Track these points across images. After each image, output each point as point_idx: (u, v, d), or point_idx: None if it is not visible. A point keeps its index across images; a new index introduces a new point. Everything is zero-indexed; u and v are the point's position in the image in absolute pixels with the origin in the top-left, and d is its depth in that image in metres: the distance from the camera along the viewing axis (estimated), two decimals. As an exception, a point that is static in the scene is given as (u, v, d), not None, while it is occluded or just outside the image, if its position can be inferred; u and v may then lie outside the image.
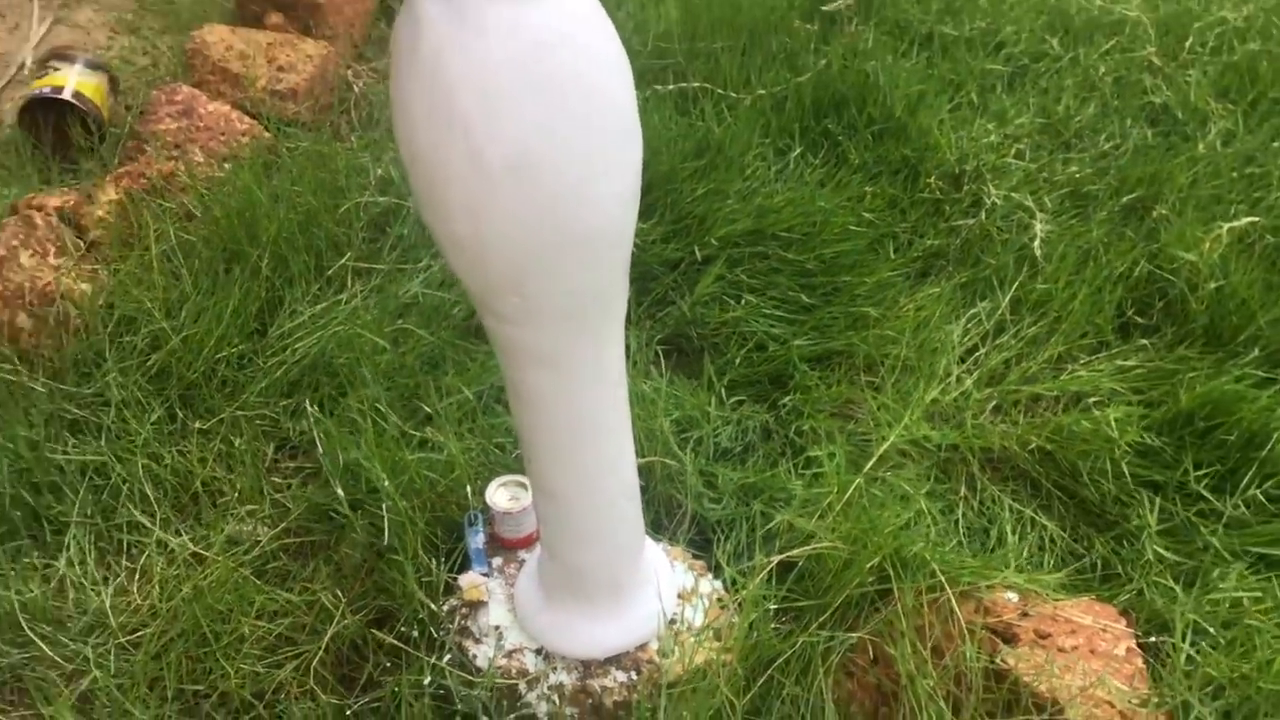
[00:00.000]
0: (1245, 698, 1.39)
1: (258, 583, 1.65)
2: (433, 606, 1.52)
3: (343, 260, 2.17)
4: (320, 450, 1.79)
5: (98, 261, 2.15)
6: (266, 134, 2.49)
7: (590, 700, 1.46)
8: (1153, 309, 2.10)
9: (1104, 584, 1.67)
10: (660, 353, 2.03)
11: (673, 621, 1.49)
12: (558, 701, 1.46)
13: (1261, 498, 1.69)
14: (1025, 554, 1.70)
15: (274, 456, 1.90)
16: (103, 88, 2.57)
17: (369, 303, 2.10)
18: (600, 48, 1.01)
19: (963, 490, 1.84)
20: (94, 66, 2.58)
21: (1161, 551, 1.64)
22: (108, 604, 1.66)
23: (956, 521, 1.78)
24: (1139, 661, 1.49)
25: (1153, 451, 1.80)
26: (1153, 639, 1.50)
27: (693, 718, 1.42)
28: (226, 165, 2.36)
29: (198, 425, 1.90)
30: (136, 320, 2.01)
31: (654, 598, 1.47)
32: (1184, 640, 1.46)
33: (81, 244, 2.16)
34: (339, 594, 1.62)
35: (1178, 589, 1.57)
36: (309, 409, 1.88)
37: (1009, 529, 1.76)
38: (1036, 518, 1.78)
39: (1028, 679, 1.43)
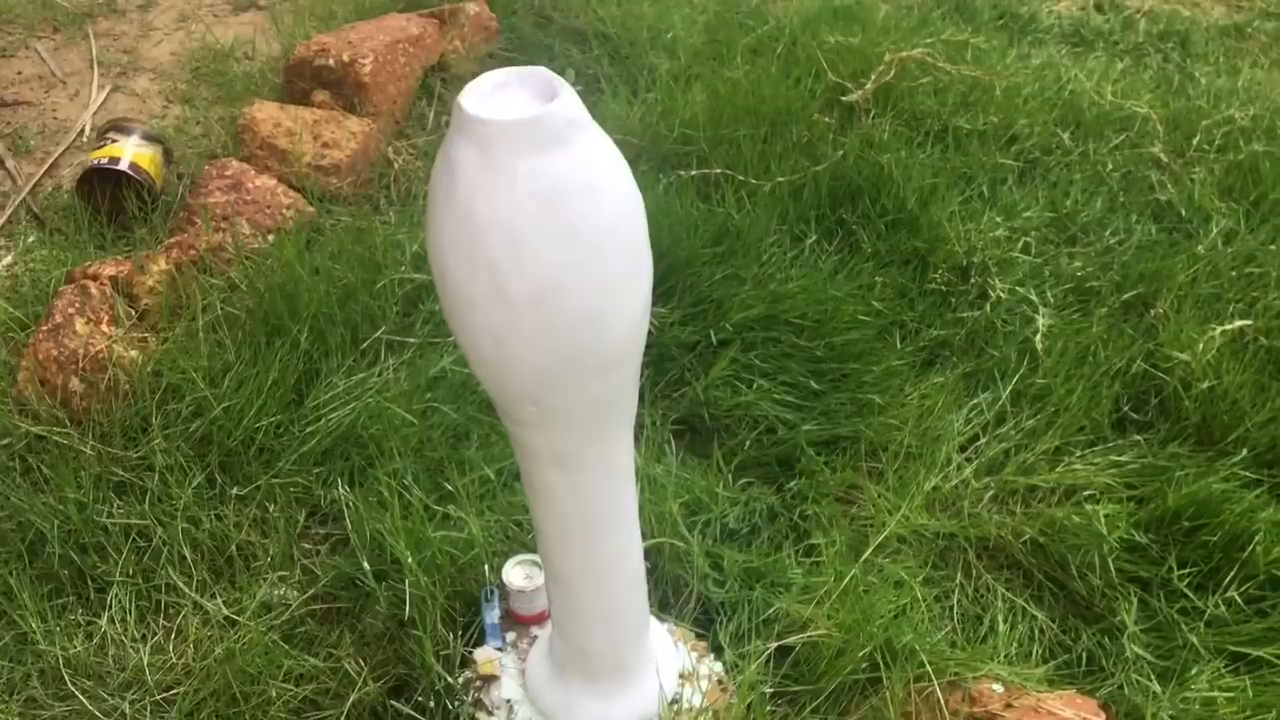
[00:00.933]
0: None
1: (286, 647, 1.75)
2: (449, 679, 1.62)
3: (377, 334, 2.29)
4: (348, 523, 1.91)
5: (147, 330, 2.28)
6: (309, 208, 2.63)
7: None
8: (1148, 406, 2.19)
9: (1087, 677, 1.75)
10: (673, 433, 2.14)
11: (674, 701, 1.58)
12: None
13: (1240, 599, 1.77)
14: (1015, 644, 1.79)
15: (305, 524, 2.01)
16: (157, 159, 2.72)
17: (400, 376, 2.22)
18: (617, 192, 1.13)
19: (958, 578, 1.92)
20: (150, 139, 2.73)
21: (1140, 651, 1.71)
22: (145, 661, 1.77)
23: (951, 608, 1.87)
24: (1112, 754, 1.58)
25: (1140, 548, 1.88)
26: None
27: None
28: (271, 238, 2.50)
29: (235, 491, 2.02)
30: (181, 388, 2.14)
31: (656, 677, 1.56)
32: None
33: (133, 312, 2.29)
34: (361, 661, 1.72)
35: (1155, 685, 1.65)
36: (339, 482, 2.00)
37: (1000, 617, 1.85)
38: (1028, 608, 1.87)
39: (1008, 770, 1.52)
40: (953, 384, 2.22)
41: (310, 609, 1.85)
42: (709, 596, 1.79)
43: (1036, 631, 1.83)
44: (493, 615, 1.69)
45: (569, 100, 1.08)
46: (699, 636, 1.73)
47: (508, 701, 1.60)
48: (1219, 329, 2.20)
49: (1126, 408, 2.19)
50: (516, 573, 1.68)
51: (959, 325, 2.36)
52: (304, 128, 2.76)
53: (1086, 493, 2.01)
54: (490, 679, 1.63)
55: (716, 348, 2.26)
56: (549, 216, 1.08)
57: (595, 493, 1.34)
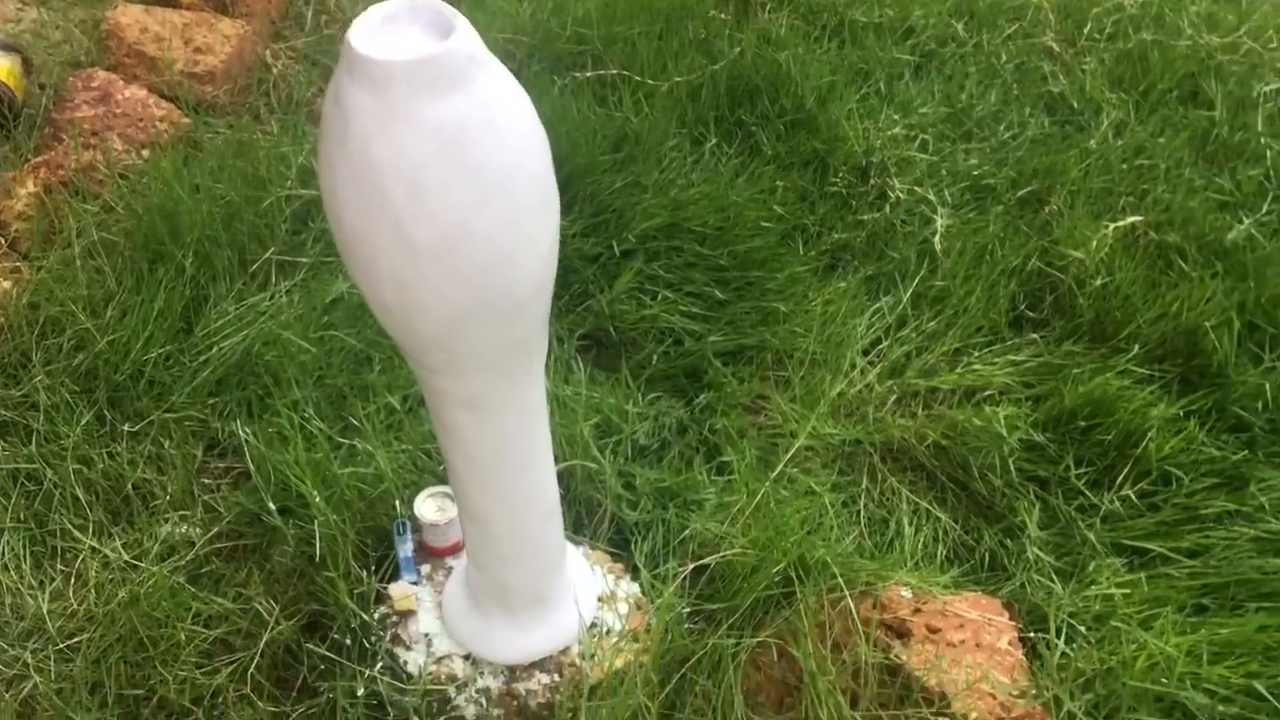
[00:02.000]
0: (1111, 691, 1.54)
1: (192, 589, 1.71)
2: (365, 616, 1.60)
3: (266, 255, 2.20)
4: (249, 459, 1.85)
5: (19, 259, 2.16)
6: (185, 119, 2.49)
7: (516, 703, 1.56)
8: (1043, 304, 2.23)
9: (990, 578, 1.81)
10: (579, 349, 2.11)
11: (593, 626, 1.59)
12: (485, 704, 1.56)
13: (1134, 496, 1.84)
14: (921, 547, 1.84)
15: (203, 459, 1.95)
16: (16, 69, 2.54)
17: (293, 299, 2.14)
18: (520, 129, 1.08)
19: (864, 482, 1.96)
20: (7, 48, 2.54)
21: (1040, 554, 1.77)
22: (45, 609, 1.71)
23: (858, 513, 1.91)
24: (1019, 654, 1.63)
25: (1038, 447, 1.94)
26: (1032, 633, 1.64)
27: (611, 717, 1.53)
28: (145, 154, 2.37)
29: (126, 428, 1.94)
30: (61, 320, 2.03)
31: (574, 606, 1.57)
32: (1059, 636, 1.59)
33: (2, 240, 2.16)
34: (272, 601, 1.69)
35: (1056, 584, 1.71)
36: (237, 415, 1.94)
37: (906, 520, 1.89)
38: (931, 510, 1.91)
39: (919, 673, 1.56)
40: (855, 288, 2.23)
41: (215, 547, 1.80)
42: (623, 517, 1.79)
43: (940, 533, 1.89)
44: (406, 549, 1.67)
45: (466, 35, 1.02)
46: (615, 558, 1.73)
47: (425, 635, 1.60)
48: (1111, 226, 2.24)
49: (1023, 306, 2.23)
50: (428, 506, 1.65)
51: (860, 228, 2.36)
52: (173, 32, 2.60)
53: (986, 393, 2.05)
54: (407, 614, 1.61)
55: (620, 259, 2.23)
56: (452, 160, 1.03)
57: (508, 433, 1.31)
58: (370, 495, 1.72)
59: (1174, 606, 1.66)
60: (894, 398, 2.06)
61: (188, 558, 1.78)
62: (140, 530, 1.83)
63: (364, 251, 1.10)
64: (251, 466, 1.84)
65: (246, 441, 1.88)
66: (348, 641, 1.60)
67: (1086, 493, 1.86)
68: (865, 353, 2.13)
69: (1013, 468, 1.89)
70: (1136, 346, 2.07)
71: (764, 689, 1.66)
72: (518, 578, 1.49)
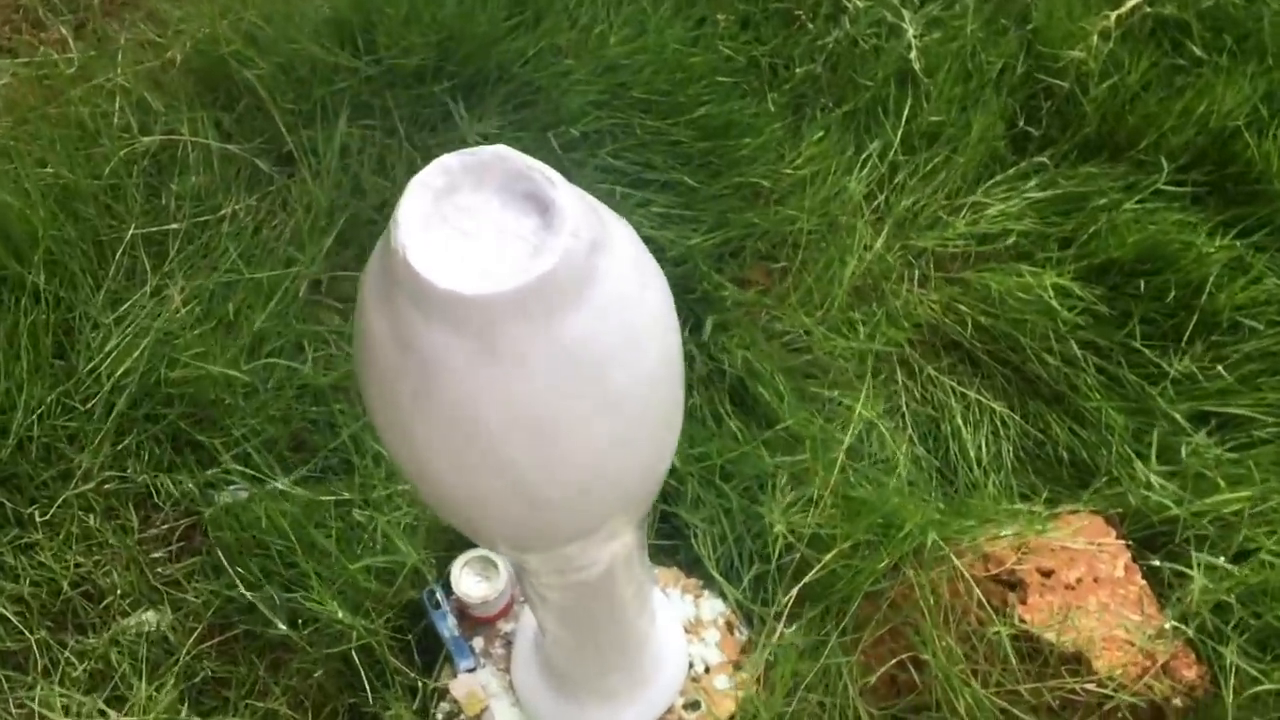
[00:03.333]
0: (1255, 614, 1.42)
1: (199, 720, 1.43)
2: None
3: (128, 237, 1.75)
4: (219, 553, 1.52)
5: None
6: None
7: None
8: (1041, 113, 1.96)
9: (1073, 477, 1.65)
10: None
11: (693, 679, 1.38)
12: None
13: (1202, 352, 1.68)
14: (986, 453, 1.66)
15: (141, 527, 1.60)
16: None
17: (178, 284, 1.73)
18: (661, 329, 0.74)
19: (900, 379, 1.75)
20: None
21: (1128, 452, 1.61)
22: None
23: (903, 418, 1.71)
24: (1139, 579, 1.50)
25: (1088, 309, 1.73)
26: (1151, 556, 1.50)
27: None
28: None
29: (36, 514, 1.57)
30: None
31: (672, 667, 1.35)
32: (1196, 568, 1.45)
33: None
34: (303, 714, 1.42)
35: (1146, 472, 1.56)
36: (161, 462, 1.59)
37: (960, 419, 1.70)
38: (983, 399, 1.72)
39: (1048, 635, 1.42)
40: (835, 136, 1.92)
41: (201, 649, 1.50)
42: (676, 514, 1.54)
43: (1000, 427, 1.70)
44: (448, 627, 1.40)
45: (575, 212, 0.67)
46: (685, 572, 1.50)
47: (507, 729, 1.37)
48: (1114, 13, 1.94)
49: (1021, 122, 1.95)
50: (470, 580, 1.38)
51: (820, 54, 2.01)
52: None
53: (1009, 241, 1.82)
54: (481, 714, 1.37)
55: (563, 155, 1.85)
56: (582, 394, 0.70)
57: (599, 591, 1.03)
58: (396, 580, 1.42)
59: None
60: (910, 269, 1.82)
61: (174, 668, 1.48)
62: (102, 642, 1.50)
63: (469, 509, 0.78)
64: (222, 558, 1.50)
65: (208, 529, 1.54)
66: (417, 760, 1.36)
67: (1153, 358, 1.68)
68: (864, 211, 1.86)
69: (1073, 344, 1.69)
70: (1163, 159, 1.84)
71: (871, 669, 1.50)
72: (610, 684, 1.26)
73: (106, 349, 1.65)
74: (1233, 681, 1.38)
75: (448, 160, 0.69)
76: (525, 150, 0.70)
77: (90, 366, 1.64)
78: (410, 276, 0.65)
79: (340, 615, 1.37)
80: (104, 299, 1.72)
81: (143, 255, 1.77)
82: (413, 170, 1.70)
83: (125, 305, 1.71)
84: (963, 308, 1.77)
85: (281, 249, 1.75)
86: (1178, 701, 1.42)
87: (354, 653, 1.38)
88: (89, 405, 1.63)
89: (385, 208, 1.79)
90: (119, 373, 1.64)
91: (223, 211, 1.80)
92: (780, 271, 1.83)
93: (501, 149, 0.69)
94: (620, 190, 1.82)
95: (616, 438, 0.73)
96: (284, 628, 1.41)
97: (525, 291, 0.64)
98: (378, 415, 0.75)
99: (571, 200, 0.67)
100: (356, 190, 1.80)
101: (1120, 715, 1.40)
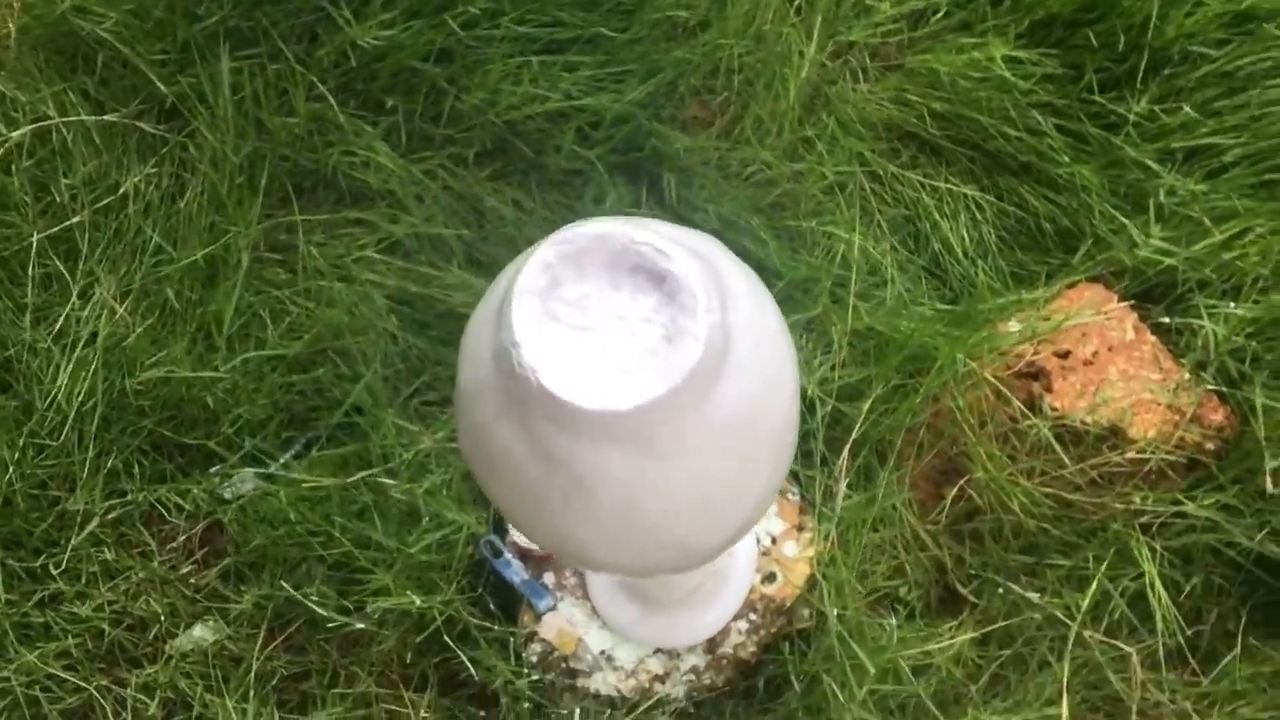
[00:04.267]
0: (1268, 347, 1.47)
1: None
2: (535, 677, 1.36)
3: (33, 245, 1.60)
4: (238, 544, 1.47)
5: None
6: None
7: (725, 661, 1.40)
8: None
9: (1059, 245, 1.65)
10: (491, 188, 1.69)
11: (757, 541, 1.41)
12: (697, 678, 1.40)
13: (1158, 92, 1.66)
14: (968, 241, 1.66)
15: (159, 546, 1.53)
16: None
17: (105, 285, 1.60)
18: (785, 351, 0.70)
19: (867, 186, 1.71)
20: None
21: (1108, 210, 1.60)
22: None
23: (877, 223, 1.69)
24: (1150, 337, 1.54)
25: (1040, 74, 1.69)
26: (1161, 319, 1.53)
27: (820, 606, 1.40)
28: None
29: (50, 566, 1.49)
30: None
31: (745, 554, 1.37)
32: (1205, 316, 1.48)
33: None
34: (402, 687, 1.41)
35: (1149, 245, 1.57)
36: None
37: (935, 211, 1.69)
38: (953, 187, 1.70)
39: (1081, 417, 1.46)
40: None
41: (267, 650, 1.47)
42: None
43: (976, 210, 1.69)
44: (515, 572, 1.39)
45: (700, 282, 0.61)
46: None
47: (603, 653, 1.38)
48: None
49: None
50: (527, 530, 1.35)
51: None
52: None
53: (939, 15, 1.75)
54: (576, 647, 1.38)
55: (464, 35, 1.70)
56: (745, 455, 0.67)
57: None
58: (456, 548, 1.39)
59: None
60: (849, 68, 1.75)
61: (246, 675, 1.45)
62: (163, 668, 1.47)
63: (610, 567, 0.75)
64: (251, 557, 1.46)
65: (222, 517, 1.48)
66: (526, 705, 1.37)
67: (1113, 107, 1.65)
68: (790, 19, 1.76)
69: (1033, 111, 1.66)
70: None
71: (925, 496, 1.53)
72: (706, 589, 1.28)
73: (55, 375, 1.54)
74: (1260, 416, 1.44)
75: (543, 255, 0.62)
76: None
77: (47, 400, 1.53)
78: (548, 400, 0.59)
79: (414, 600, 1.34)
80: (30, 319, 1.59)
81: (55, 260, 1.62)
82: (313, 94, 1.55)
83: (57, 320, 1.58)
84: (913, 98, 1.72)
85: (204, 218, 1.62)
86: (1210, 445, 1.48)
87: (440, 626, 1.37)
88: (60, 439, 1.53)
89: (299, 144, 1.66)
90: (79, 395, 1.54)
91: (123, 189, 1.64)
92: (722, 104, 1.75)
93: (597, 228, 0.62)
94: (539, 61, 1.69)
95: (769, 475, 0.70)
96: (355, 623, 1.39)
97: (678, 389, 0.59)
98: (520, 520, 0.70)
99: (691, 269, 0.61)
100: (263, 132, 1.65)
101: (1161, 472, 1.47)
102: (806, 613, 1.43)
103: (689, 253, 0.62)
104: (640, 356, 0.60)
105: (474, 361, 0.65)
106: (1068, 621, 1.43)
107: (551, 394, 0.58)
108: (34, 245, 1.60)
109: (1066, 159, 1.65)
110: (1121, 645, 1.44)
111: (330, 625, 1.41)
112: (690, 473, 0.63)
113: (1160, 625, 1.42)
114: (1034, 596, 1.45)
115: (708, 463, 0.64)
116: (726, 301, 0.62)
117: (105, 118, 1.65)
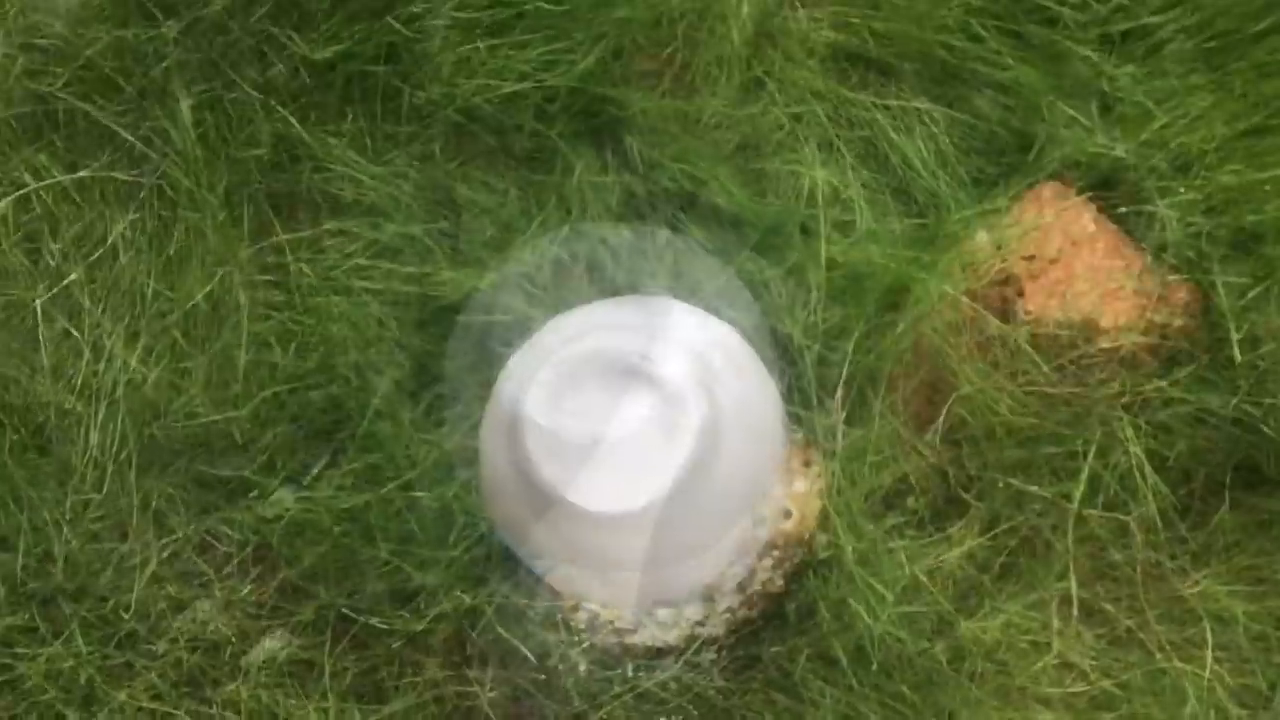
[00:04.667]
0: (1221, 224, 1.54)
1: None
2: (585, 645, 1.48)
3: (38, 307, 1.66)
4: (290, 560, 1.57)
5: None
6: None
7: (756, 596, 1.51)
8: None
9: (1018, 144, 1.70)
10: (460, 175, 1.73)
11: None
12: (731, 615, 1.50)
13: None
14: (931, 156, 1.71)
15: (217, 574, 1.63)
16: None
17: (113, 333, 1.67)
18: (767, 394, 0.78)
19: (822, 113, 1.76)
20: None
21: (1058, 106, 1.65)
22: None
23: (841, 152, 1.74)
24: (1111, 226, 1.61)
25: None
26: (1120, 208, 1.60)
27: (839, 536, 1.50)
28: None
29: (121, 611, 1.60)
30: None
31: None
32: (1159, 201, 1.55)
33: None
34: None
35: (1095, 137, 1.62)
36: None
37: (891, 130, 1.74)
38: (905, 103, 1.75)
39: (1057, 318, 1.54)
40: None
41: (334, 653, 1.59)
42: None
43: (929, 123, 1.74)
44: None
45: (686, 382, 0.69)
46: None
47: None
48: None
49: None
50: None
51: None
52: None
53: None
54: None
55: (406, 29, 1.73)
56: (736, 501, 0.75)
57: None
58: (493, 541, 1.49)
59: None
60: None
61: (320, 680, 1.57)
62: (245, 683, 1.58)
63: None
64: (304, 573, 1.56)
65: (270, 538, 1.58)
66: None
67: (1049, 3, 1.69)
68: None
69: (970, 19, 1.70)
70: None
71: (918, 416, 1.62)
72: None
73: (89, 433, 1.62)
74: (1221, 290, 1.52)
75: (543, 377, 0.69)
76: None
77: (85, 457, 1.62)
78: (571, 507, 0.68)
79: (464, 599, 1.45)
80: (50, 380, 1.66)
81: (60, 319, 1.69)
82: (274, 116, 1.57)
83: (76, 378, 1.65)
84: (854, 20, 1.75)
85: (195, 258, 1.67)
86: (1179, 323, 1.57)
87: (492, 615, 1.47)
88: (103, 492, 1.62)
89: (270, 169, 1.70)
90: (112, 446, 1.62)
91: (111, 240, 1.70)
92: (669, 56, 1.78)
93: (588, 348, 0.69)
94: (486, 45, 1.72)
95: (749, 515, 0.79)
96: (412, 626, 1.50)
97: (682, 480, 0.67)
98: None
99: (678, 370, 0.68)
100: (234, 165, 1.69)
101: (1135, 356, 1.55)
102: (825, 539, 1.53)
103: (677, 350, 0.69)
104: (645, 454, 0.68)
105: (493, 464, 0.73)
106: (1066, 505, 1.54)
107: (573, 505, 0.67)
108: (38, 310, 1.66)
109: (1010, 61, 1.69)
110: (1119, 516, 1.56)
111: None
112: (698, 522, 0.72)
113: (1150, 495, 1.54)
114: (1033, 489, 1.55)
115: (704, 516, 0.72)
116: (712, 378, 0.70)
117: (79, 174, 1.70)
